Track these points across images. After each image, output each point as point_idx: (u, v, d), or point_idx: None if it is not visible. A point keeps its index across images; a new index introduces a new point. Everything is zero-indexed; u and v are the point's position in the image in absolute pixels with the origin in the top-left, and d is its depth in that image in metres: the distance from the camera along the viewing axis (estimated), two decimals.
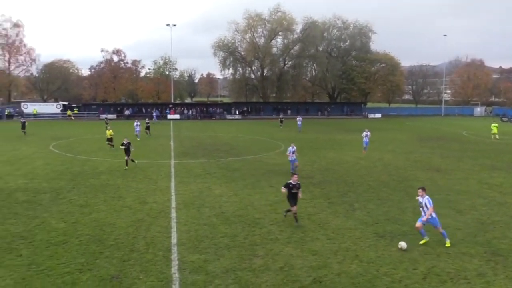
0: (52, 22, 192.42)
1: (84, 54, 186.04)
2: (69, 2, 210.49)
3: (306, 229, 14.50)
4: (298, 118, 54.98)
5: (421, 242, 12.86)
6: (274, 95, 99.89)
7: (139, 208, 16.93)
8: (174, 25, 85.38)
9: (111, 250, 12.39)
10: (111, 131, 35.30)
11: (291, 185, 14.93)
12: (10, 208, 16.96)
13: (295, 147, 24.95)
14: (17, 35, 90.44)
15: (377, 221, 15.37)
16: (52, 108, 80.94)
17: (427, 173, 25.09)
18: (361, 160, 29.91)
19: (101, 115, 71.59)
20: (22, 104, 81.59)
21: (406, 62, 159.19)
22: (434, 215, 12.74)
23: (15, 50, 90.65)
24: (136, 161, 26.66)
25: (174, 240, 13.24)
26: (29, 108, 78.76)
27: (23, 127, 45.83)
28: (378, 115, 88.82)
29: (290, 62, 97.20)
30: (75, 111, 78.97)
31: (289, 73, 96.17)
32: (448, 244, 12.69)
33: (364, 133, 33.11)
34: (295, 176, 15.45)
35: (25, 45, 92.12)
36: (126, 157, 25.83)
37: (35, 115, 75.64)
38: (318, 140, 42.97)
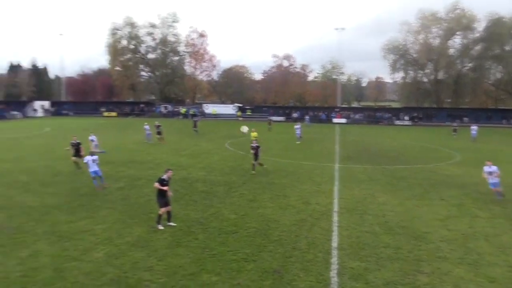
0: (230, 31, 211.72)
1: (257, 60, 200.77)
2: (245, 14, 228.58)
3: (482, 251, 12.91)
4: (472, 127, 49.40)
5: None
6: (449, 100, 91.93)
7: (302, 208, 17.40)
8: (343, 29, 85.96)
9: (274, 245, 13.01)
10: (255, 133, 36.42)
11: None
12: (191, 196, 19.20)
13: (493, 167, 19.43)
14: (201, 44, 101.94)
15: None
16: (229, 109, 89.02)
17: None
18: None
19: (270, 117, 75.88)
20: (203, 105, 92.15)
21: None
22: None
23: (200, 57, 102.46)
24: (265, 165, 25.66)
25: (334, 244, 13.23)
26: (209, 108, 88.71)
27: (195, 125, 50.47)
28: None
29: (469, 64, 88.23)
30: (248, 113, 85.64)
31: (468, 76, 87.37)
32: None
33: None
34: None
35: (208, 53, 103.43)
36: (253, 161, 25.30)
37: (214, 115, 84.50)
38: (501, 152, 37.79)
